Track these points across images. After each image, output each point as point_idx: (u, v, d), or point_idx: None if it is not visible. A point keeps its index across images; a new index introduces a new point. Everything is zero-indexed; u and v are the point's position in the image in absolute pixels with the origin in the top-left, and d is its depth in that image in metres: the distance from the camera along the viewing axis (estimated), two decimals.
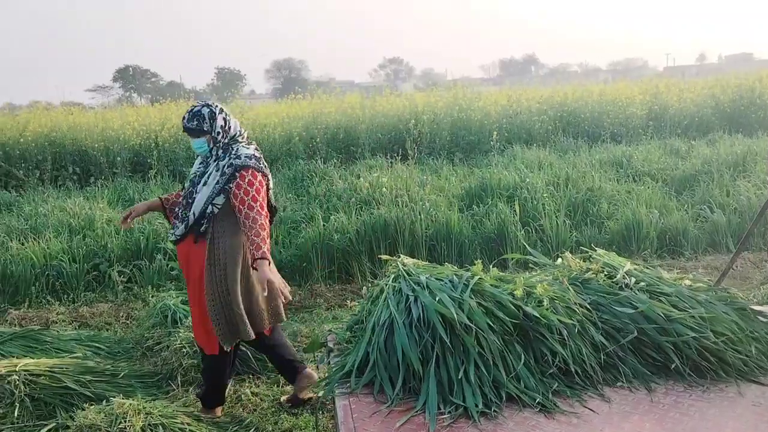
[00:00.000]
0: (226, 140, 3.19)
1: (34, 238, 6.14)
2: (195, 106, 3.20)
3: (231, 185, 3.10)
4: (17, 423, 3.37)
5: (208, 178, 3.16)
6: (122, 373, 3.95)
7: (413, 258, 3.23)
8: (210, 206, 3.12)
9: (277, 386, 4.01)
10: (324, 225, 6.32)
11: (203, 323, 3.27)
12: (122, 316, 5.28)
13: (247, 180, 3.09)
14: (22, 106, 18.66)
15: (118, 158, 9.98)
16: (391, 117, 11.67)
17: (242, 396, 3.87)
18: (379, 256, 6.00)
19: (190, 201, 3.18)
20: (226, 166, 3.14)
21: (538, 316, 2.50)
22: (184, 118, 3.18)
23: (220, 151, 3.18)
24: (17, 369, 3.53)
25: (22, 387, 3.45)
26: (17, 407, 3.38)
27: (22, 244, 5.95)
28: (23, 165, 9.78)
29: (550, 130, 11.60)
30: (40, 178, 9.62)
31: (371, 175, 7.95)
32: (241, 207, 3.07)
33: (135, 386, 3.87)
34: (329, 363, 2.82)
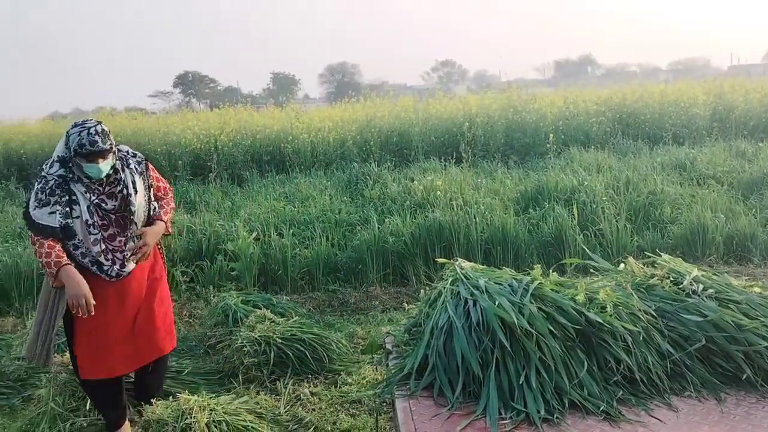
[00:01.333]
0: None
1: None
2: (89, 126, 2.88)
3: (150, 179, 3.17)
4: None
5: (132, 186, 3.01)
6: (186, 370, 4.08)
7: (468, 261, 3.22)
8: (153, 206, 3.14)
9: (335, 387, 4.07)
10: (379, 228, 6.37)
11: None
12: (185, 315, 5.45)
13: (150, 166, 3.24)
14: (88, 112, 19.48)
15: (180, 161, 10.31)
16: (444, 120, 11.65)
17: (301, 395, 3.95)
18: (435, 259, 6.06)
19: (124, 222, 3.01)
20: (135, 165, 3.08)
21: (601, 322, 2.46)
22: (94, 143, 2.82)
23: (117, 160, 3.00)
24: None
25: None
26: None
27: None
28: None
29: (608, 131, 11.35)
30: None
31: (425, 178, 7.96)
32: (166, 188, 3.29)
33: (199, 383, 3.99)
34: (387, 365, 2.84)
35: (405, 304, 4.10)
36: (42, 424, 3.53)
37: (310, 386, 4.09)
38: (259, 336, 4.26)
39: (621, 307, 2.60)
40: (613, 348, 2.45)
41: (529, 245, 6.20)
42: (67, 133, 2.91)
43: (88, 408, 3.52)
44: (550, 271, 2.85)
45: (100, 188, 2.96)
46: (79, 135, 2.84)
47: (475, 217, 6.28)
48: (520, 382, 2.27)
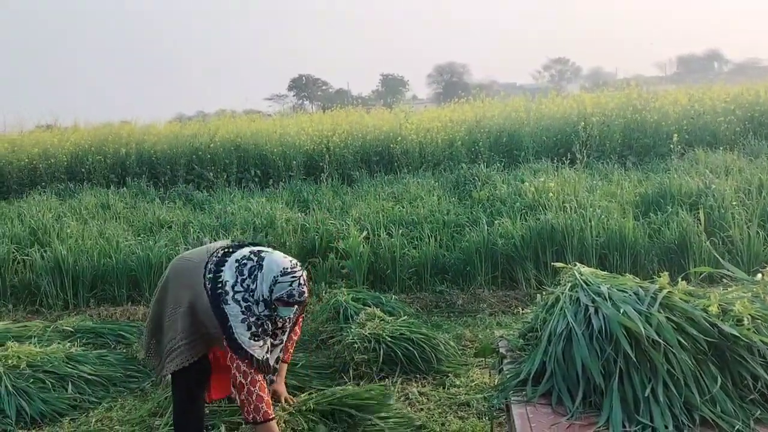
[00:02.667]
0: None
1: (224, 234, 6.78)
2: (298, 276, 2.93)
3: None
4: (212, 402, 3.73)
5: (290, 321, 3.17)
6: (300, 363, 4.22)
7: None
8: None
9: (443, 388, 4.06)
10: (488, 229, 6.28)
11: None
12: None
13: None
14: (210, 114, 20.68)
15: (294, 162, 10.70)
16: (557, 119, 11.30)
17: (409, 394, 3.97)
18: (546, 262, 5.90)
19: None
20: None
21: (737, 335, 2.29)
22: (302, 294, 2.91)
23: None
24: None
25: None
26: None
27: (215, 240, 6.58)
28: (212, 168, 10.84)
29: (738, 131, 10.52)
30: (226, 179, 10.61)
31: (536, 179, 7.76)
32: (301, 323, 3.58)
33: (312, 376, 4.13)
34: (501, 369, 2.79)
35: (521, 308, 4.00)
36: (169, 407, 3.78)
37: (418, 386, 4.11)
38: (369, 333, 4.34)
39: (760, 321, 2.40)
40: (750, 364, 2.27)
41: (650, 252, 5.89)
42: (275, 279, 2.86)
43: None
44: (679, 279, 2.68)
45: (278, 322, 3.04)
46: (290, 285, 2.85)
47: (590, 221, 6.05)
48: (646, 395, 2.15)
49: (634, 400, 2.18)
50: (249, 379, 2.78)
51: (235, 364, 2.79)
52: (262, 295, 2.86)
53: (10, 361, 4.17)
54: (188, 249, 6.27)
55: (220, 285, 2.88)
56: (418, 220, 6.90)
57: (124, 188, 10.13)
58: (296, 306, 2.94)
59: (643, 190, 7.25)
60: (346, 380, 4.12)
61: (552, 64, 73.70)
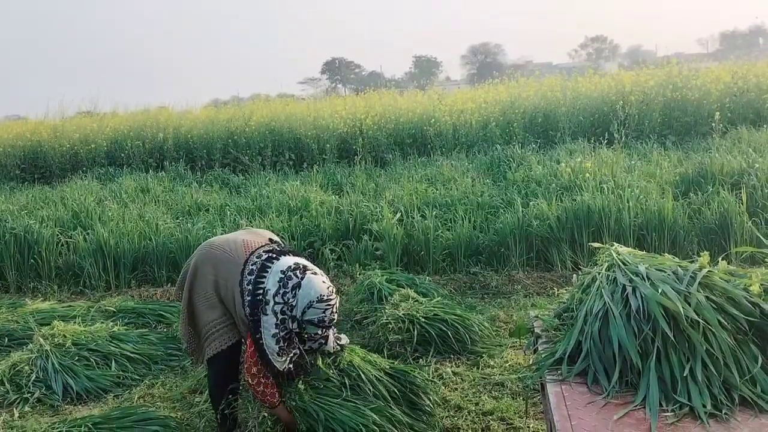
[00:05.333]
0: None
1: (260, 217, 6.86)
2: (333, 304, 2.93)
3: None
4: None
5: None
6: None
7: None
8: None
9: (477, 368, 4.07)
10: (523, 211, 6.22)
11: None
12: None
13: None
14: (245, 98, 20.86)
15: (327, 145, 10.73)
16: (594, 99, 11.06)
17: (443, 374, 3.99)
18: (583, 243, 5.82)
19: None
20: None
21: None
22: (333, 320, 2.95)
23: None
24: None
25: None
26: None
27: (251, 222, 6.68)
28: (248, 151, 10.95)
29: None
30: (261, 163, 10.71)
31: (573, 159, 7.64)
32: None
33: None
34: (536, 349, 2.78)
35: (557, 289, 3.96)
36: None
37: (452, 366, 4.13)
38: (403, 314, 4.37)
39: None
40: None
41: (689, 232, 5.77)
42: (311, 303, 2.85)
43: None
44: (719, 259, 2.61)
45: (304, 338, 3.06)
46: (323, 312, 2.86)
47: (628, 201, 5.94)
48: (684, 375, 2.12)
49: (671, 379, 2.15)
50: (255, 380, 2.92)
51: (247, 362, 2.94)
52: (297, 316, 2.88)
53: (56, 340, 4.32)
54: (225, 232, 6.38)
55: (260, 292, 2.90)
56: (451, 202, 6.87)
57: (162, 172, 10.32)
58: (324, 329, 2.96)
59: (683, 170, 7.08)
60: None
61: (589, 42, 72.13)
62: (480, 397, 3.70)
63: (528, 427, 3.30)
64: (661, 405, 2.08)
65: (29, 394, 3.95)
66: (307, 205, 7.12)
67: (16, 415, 3.75)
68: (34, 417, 3.74)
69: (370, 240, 6.22)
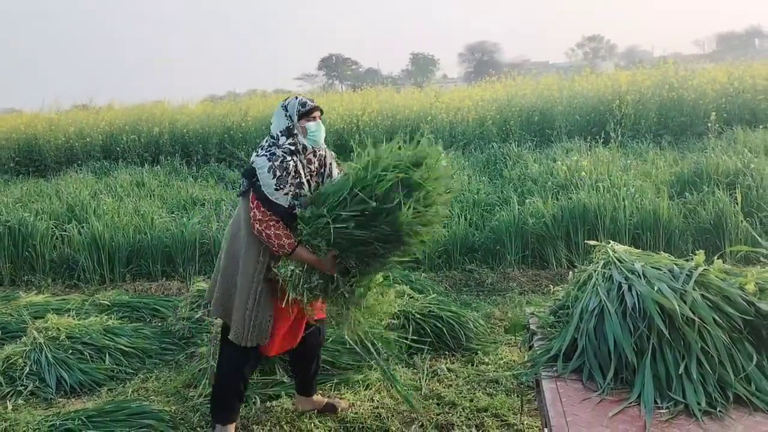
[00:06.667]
0: None
1: None
2: (296, 95, 3.17)
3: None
4: None
5: (330, 166, 3.27)
6: (330, 339, 4.25)
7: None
8: None
9: (472, 365, 4.07)
10: (519, 209, 6.23)
11: None
12: None
13: None
14: (241, 94, 20.82)
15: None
16: (590, 98, 11.10)
17: (438, 371, 4.00)
18: (578, 242, 5.83)
19: None
20: (331, 151, 3.33)
21: None
22: (311, 100, 3.12)
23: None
24: None
25: None
26: None
27: None
28: (244, 146, 10.93)
29: None
30: None
31: (569, 158, 7.65)
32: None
33: (342, 351, 4.17)
34: (531, 346, 2.79)
35: (552, 286, 3.98)
36: (203, 379, 3.87)
37: (447, 362, 4.13)
38: (398, 310, 4.35)
39: None
40: None
41: (684, 232, 5.78)
42: (283, 106, 3.05)
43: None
44: (715, 258, 2.62)
45: (311, 166, 3.09)
46: (296, 99, 3.06)
47: (623, 200, 5.95)
48: (679, 372, 2.13)
49: (666, 377, 2.15)
50: (264, 225, 2.88)
51: (251, 213, 2.90)
52: (281, 130, 3.01)
53: (50, 333, 4.30)
54: (220, 227, 6.36)
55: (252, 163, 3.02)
56: None
57: (158, 167, 10.30)
58: (318, 118, 3.08)
59: (679, 170, 7.11)
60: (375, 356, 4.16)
61: (586, 42, 72.16)
62: (474, 393, 3.70)
63: (522, 423, 3.30)
64: (655, 402, 2.09)
65: (23, 387, 3.93)
66: None
67: (9, 407, 3.73)
68: (28, 410, 3.72)
69: None
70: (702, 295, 2.29)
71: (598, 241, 3.42)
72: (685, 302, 2.24)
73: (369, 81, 17.50)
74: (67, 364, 4.11)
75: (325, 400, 3.54)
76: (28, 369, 4.04)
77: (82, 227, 6.63)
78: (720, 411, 2.03)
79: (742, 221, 5.60)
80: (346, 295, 3.01)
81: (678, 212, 5.91)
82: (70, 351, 4.22)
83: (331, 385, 3.83)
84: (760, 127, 9.23)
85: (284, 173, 2.91)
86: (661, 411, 2.05)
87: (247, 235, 2.98)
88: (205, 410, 3.54)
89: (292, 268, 2.95)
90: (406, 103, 11.99)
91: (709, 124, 9.30)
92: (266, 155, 2.93)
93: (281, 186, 2.90)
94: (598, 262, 2.73)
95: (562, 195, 6.42)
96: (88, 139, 11.65)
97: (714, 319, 2.22)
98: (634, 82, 11.12)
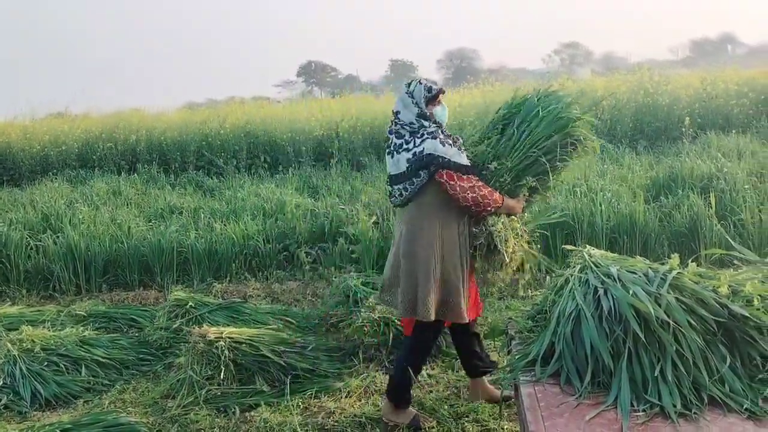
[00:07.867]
0: None
1: (234, 220, 6.81)
2: (417, 78, 3.32)
3: None
4: (222, 385, 3.78)
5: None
6: (310, 346, 4.25)
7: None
8: None
9: (452, 371, 4.08)
10: None
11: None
12: (308, 294, 5.68)
13: None
14: (220, 101, 20.70)
15: (303, 148, 10.70)
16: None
17: (418, 377, 3.99)
18: (563, 246, 5.86)
19: None
20: None
21: (747, 315, 2.28)
22: (434, 83, 3.25)
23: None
24: (223, 336, 3.95)
25: (227, 353, 3.86)
26: (223, 370, 3.79)
27: (225, 226, 6.62)
28: (222, 154, 10.86)
29: (751, 114, 10.40)
30: (236, 166, 10.62)
31: None
32: None
33: (321, 359, 4.16)
34: (510, 350, 2.80)
35: (530, 291, 4.01)
36: (181, 389, 3.83)
37: (427, 369, 4.12)
38: (378, 317, 4.36)
39: None
40: (760, 343, 2.28)
41: (660, 236, 5.85)
42: (409, 93, 3.16)
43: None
44: (689, 261, 2.66)
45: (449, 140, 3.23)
46: (420, 83, 3.18)
47: (600, 205, 6.01)
48: (655, 375, 2.16)
49: (642, 380, 2.18)
50: (475, 189, 3.04)
51: (456, 187, 3.03)
52: (416, 115, 3.13)
53: (24, 345, 4.23)
54: (199, 235, 6.31)
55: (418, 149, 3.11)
56: None
57: (135, 175, 10.18)
58: (443, 100, 3.22)
59: (654, 174, 7.20)
60: (356, 363, 4.15)
61: (563, 48, 72.82)
62: (455, 399, 3.71)
63: (502, 428, 3.31)
64: (632, 405, 2.11)
65: None
66: (283, 208, 7.08)
67: None
68: (1, 424, 3.65)
69: (345, 243, 6.20)
70: (676, 298, 2.32)
71: (575, 245, 3.46)
72: (659, 305, 2.27)
73: (348, 87, 17.51)
74: (42, 377, 4.04)
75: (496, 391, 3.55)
76: (1, 382, 3.97)
77: (58, 237, 6.53)
78: (695, 413, 2.06)
79: (716, 225, 5.69)
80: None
81: (654, 216, 5.98)
82: (45, 363, 4.15)
83: (311, 393, 3.81)
84: (733, 131, 9.40)
85: (452, 141, 3.11)
86: (638, 414, 2.07)
87: (443, 218, 3.11)
88: (183, 421, 3.50)
89: (502, 221, 3.19)
90: (385, 109, 12.01)
91: (684, 129, 9.45)
92: (428, 137, 3.07)
93: (461, 150, 3.10)
94: (574, 267, 2.76)
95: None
96: (63, 148, 11.47)
97: (688, 321, 2.26)
98: (610, 88, 11.25)
